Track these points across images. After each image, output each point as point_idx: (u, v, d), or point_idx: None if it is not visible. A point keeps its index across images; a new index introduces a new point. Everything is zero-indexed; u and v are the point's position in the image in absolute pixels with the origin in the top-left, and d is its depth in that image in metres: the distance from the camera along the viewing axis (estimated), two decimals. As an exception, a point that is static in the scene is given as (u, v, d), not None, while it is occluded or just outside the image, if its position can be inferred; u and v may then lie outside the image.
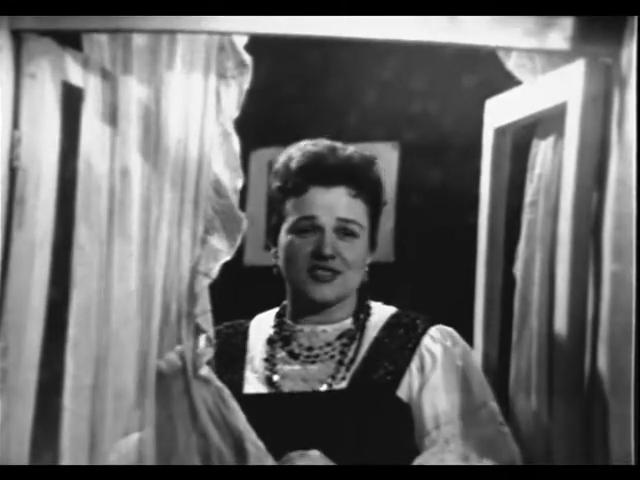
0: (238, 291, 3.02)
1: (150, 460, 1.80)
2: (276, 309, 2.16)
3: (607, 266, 1.74)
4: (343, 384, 2.00)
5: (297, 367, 2.04)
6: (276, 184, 2.09)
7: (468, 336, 2.17)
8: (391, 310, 2.12)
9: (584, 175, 1.80)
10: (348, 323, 2.08)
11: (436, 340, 2.03)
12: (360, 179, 2.06)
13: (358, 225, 2.04)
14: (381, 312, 2.11)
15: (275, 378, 2.04)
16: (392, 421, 1.98)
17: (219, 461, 1.83)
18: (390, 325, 2.08)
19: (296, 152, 2.08)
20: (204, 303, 1.83)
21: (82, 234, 1.82)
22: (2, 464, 1.72)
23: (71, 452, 1.79)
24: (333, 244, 2.02)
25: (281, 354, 2.07)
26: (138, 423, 1.82)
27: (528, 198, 2.04)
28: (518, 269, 2.06)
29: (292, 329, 2.09)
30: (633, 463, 1.67)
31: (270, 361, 2.07)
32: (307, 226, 2.04)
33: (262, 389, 2.04)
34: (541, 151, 2.02)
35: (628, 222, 1.71)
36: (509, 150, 2.16)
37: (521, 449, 1.98)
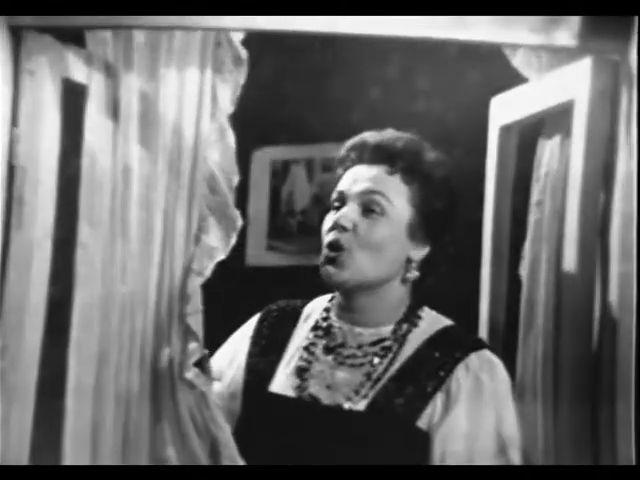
0: (240, 292, 3.00)
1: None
2: (329, 295, 2.06)
3: (614, 267, 1.73)
4: (364, 403, 1.90)
5: (327, 369, 1.96)
6: (337, 171, 2.03)
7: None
8: (441, 324, 1.97)
9: (591, 174, 1.78)
10: (386, 331, 1.95)
11: (470, 370, 1.89)
12: (400, 159, 1.95)
13: (383, 196, 1.91)
14: (430, 324, 1.97)
15: (305, 374, 1.96)
16: (407, 450, 1.88)
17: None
18: (432, 342, 1.93)
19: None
20: (196, 303, 1.80)
21: (85, 232, 1.81)
22: (2, 464, 1.71)
23: (73, 452, 1.78)
24: (351, 217, 1.91)
25: (319, 347, 1.98)
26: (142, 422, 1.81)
27: (534, 197, 2.02)
28: (524, 269, 2.05)
29: (334, 323, 1.99)
30: (634, 463, 1.66)
31: (308, 350, 1.98)
32: (337, 200, 1.96)
33: (288, 383, 1.97)
34: (547, 150, 2.00)
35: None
36: (515, 148, 2.15)
37: (526, 450, 1.97)
